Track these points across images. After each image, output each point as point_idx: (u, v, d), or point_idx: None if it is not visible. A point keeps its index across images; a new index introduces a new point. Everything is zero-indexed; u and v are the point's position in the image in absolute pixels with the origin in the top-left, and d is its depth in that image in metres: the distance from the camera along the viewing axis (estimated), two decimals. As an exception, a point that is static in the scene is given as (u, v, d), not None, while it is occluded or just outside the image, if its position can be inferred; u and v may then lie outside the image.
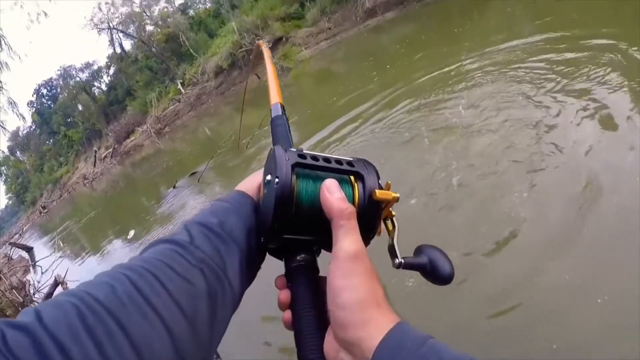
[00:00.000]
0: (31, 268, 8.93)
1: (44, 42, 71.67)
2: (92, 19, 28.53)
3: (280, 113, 0.68)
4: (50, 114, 37.47)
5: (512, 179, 2.49)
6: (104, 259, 6.30)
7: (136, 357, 0.32)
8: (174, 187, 7.30)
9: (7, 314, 4.89)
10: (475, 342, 1.68)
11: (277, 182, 0.43)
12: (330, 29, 16.31)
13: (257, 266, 0.52)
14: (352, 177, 0.48)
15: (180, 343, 0.36)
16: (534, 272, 1.84)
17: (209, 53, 22.62)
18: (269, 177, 0.46)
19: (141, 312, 0.34)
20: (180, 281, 0.39)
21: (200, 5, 30.19)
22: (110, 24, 29.23)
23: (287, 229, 0.45)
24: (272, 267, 0.54)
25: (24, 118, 34.54)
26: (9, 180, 43.53)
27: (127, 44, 32.14)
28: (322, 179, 0.45)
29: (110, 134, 27.91)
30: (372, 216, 0.46)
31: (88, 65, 36.04)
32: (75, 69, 36.47)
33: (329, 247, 0.44)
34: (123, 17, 28.91)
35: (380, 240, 0.49)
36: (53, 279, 5.95)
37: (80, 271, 6.32)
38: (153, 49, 28.14)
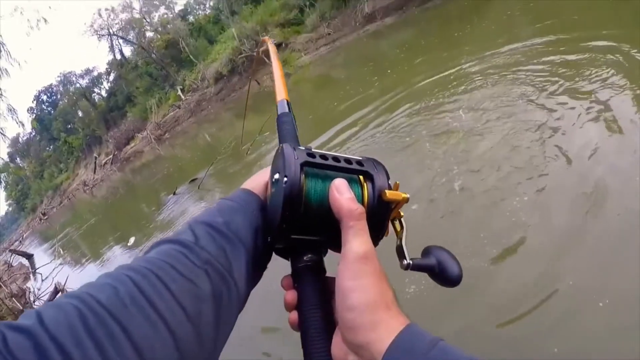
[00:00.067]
0: (31, 275, 8.93)
1: (43, 49, 71.24)
2: (92, 25, 28.87)
3: (286, 110, 0.67)
4: (50, 121, 37.68)
5: (515, 184, 2.46)
6: (104, 266, 6.26)
7: (138, 359, 0.31)
8: (174, 193, 7.30)
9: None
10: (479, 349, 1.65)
11: (286, 181, 0.42)
12: (329, 34, 16.42)
13: (264, 266, 0.51)
14: (361, 177, 0.47)
15: (184, 345, 0.35)
16: (540, 278, 1.81)
17: (208, 59, 22.78)
18: (277, 176, 0.45)
19: (143, 314, 0.34)
20: (184, 282, 0.38)
21: (200, 12, 30.54)
22: (110, 30, 29.51)
23: (295, 229, 0.44)
24: (271, 272, 0.53)
25: (23, 125, 34.66)
26: (9, 187, 43.74)
27: (127, 50, 32.50)
28: (331, 178, 0.45)
29: (110, 141, 28.05)
30: (381, 217, 0.45)
31: (88, 71, 36.40)
32: (75, 75, 36.81)
33: (336, 248, 0.44)
34: (123, 23, 29.23)
35: (384, 242, 0.48)
36: (53, 286, 5.97)
37: (81, 278, 6.29)
38: (153, 55, 28.35)
